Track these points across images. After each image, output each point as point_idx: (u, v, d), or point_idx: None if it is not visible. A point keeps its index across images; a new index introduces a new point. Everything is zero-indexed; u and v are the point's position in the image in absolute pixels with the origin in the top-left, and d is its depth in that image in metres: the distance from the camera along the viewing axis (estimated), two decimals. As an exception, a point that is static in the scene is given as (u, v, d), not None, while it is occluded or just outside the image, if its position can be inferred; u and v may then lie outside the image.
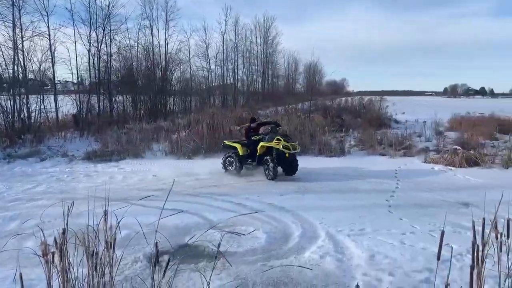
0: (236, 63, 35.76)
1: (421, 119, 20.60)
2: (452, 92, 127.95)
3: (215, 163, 11.12)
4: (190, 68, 30.33)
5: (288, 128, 15.76)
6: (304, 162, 12.01)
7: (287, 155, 9.51)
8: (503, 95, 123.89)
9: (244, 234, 5.26)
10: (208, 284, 2.67)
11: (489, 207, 3.57)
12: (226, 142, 10.92)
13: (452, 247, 3.84)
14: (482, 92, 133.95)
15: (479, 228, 2.97)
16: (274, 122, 11.28)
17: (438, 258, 2.55)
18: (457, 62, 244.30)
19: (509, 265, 2.97)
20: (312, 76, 52.13)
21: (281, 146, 9.47)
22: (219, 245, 2.65)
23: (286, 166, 9.96)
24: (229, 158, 10.58)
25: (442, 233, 2.55)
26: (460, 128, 17.44)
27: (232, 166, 10.45)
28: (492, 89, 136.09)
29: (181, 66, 29.15)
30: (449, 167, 11.16)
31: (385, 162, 12.25)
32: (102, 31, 20.61)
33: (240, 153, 10.27)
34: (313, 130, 15.33)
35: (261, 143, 9.86)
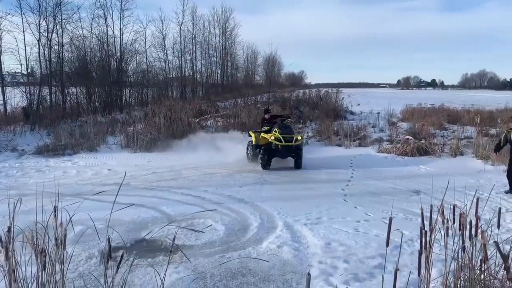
0: (194, 54, 35.25)
1: (375, 110, 21.24)
2: (405, 84, 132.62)
3: (173, 155, 10.98)
4: (146, 59, 29.58)
5: (247, 121, 15.81)
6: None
7: (279, 146, 9.65)
8: (453, 87, 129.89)
9: (203, 232, 5.26)
10: (163, 279, 2.64)
11: (438, 194, 3.78)
12: (250, 132, 11.14)
13: (402, 233, 4.01)
14: (433, 84, 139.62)
15: (428, 214, 3.12)
16: (286, 115, 11.67)
17: (387, 245, 2.64)
18: (410, 55, 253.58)
19: (455, 249, 3.13)
20: (271, 68, 52.38)
21: (272, 138, 9.63)
22: (174, 239, 2.62)
23: (288, 157, 10.21)
24: (248, 147, 10.98)
25: (390, 220, 2.66)
26: (412, 119, 18.13)
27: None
28: (442, 81, 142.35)
29: (137, 57, 28.38)
30: (401, 156, 11.60)
31: (341, 153, 12.56)
32: (53, 20, 19.61)
33: (254, 142, 10.57)
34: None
35: (261, 134, 10.08)
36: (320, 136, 15.11)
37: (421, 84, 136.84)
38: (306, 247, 4.95)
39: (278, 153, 9.90)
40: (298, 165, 10.07)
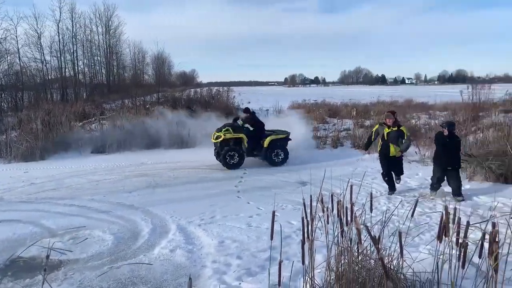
0: (75, 53, 32.76)
1: (264, 107, 21.97)
2: (291, 81, 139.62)
3: (53, 163, 10.09)
4: (19, 59, 26.77)
5: (135, 122, 15.19)
6: (155, 156, 11.80)
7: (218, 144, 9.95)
8: (333, 83, 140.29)
9: (70, 252, 4.92)
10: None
11: (324, 183, 4.01)
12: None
13: (291, 223, 4.18)
14: (316, 81, 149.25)
15: (314, 203, 3.28)
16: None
17: (271, 238, 2.71)
18: (295, 54, 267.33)
19: (335, 235, 3.35)
20: (161, 67, 51.04)
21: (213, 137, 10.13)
22: (47, 256, 2.37)
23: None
24: None
25: (273, 214, 2.73)
26: (298, 114, 19.12)
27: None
28: (324, 78, 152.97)
29: (8, 58, 25.52)
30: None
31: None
32: None
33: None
34: (163, 122, 15.07)
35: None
36: (213, 134, 15.14)
37: (305, 82, 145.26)
38: (199, 248, 4.91)
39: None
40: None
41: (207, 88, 27.64)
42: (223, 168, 9.83)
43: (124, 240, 5.24)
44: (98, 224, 5.83)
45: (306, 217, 3.12)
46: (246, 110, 11.13)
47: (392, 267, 3.34)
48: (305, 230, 3.00)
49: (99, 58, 37.22)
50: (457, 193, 6.79)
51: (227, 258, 4.52)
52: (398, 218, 5.33)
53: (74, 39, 32.47)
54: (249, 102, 26.23)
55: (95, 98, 27.69)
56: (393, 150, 7.12)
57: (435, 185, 7.05)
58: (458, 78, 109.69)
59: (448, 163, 6.79)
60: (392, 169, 7.32)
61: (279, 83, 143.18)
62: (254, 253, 4.65)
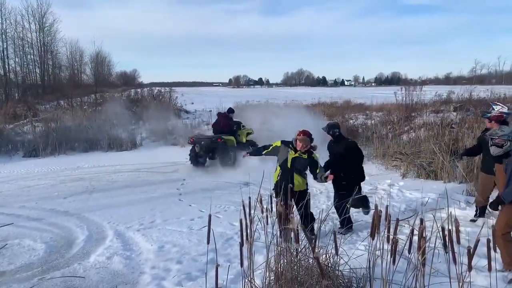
0: (5, 51, 30.70)
1: (208, 108, 21.81)
2: (235, 82, 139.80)
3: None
4: None
5: (72, 123, 14.51)
6: (93, 159, 11.32)
7: None
8: (277, 84, 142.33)
9: None
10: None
11: (266, 184, 4.02)
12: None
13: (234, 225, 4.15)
14: (260, 82, 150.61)
15: (255, 204, 3.28)
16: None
17: (208, 242, 2.67)
18: (239, 55, 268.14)
19: (274, 234, 3.37)
20: (100, 67, 49.06)
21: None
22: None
23: None
24: None
25: (209, 217, 2.69)
26: (242, 115, 19.16)
27: None
28: (268, 80, 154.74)
29: None
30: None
31: (177, 152, 12.51)
32: None
33: None
34: (102, 124, 14.53)
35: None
36: (155, 136, 14.84)
37: (249, 83, 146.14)
38: (138, 254, 4.76)
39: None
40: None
41: (148, 88, 26.98)
42: (164, 170, 9.63)
43: (57, 249, 4.96)
44: (29, 233, 5.48)
45: (245, 219, 3.11)
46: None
47: (329, 265, 3.42)
48: (244, 232, 2.99)
49: (32, 56, 35.08)
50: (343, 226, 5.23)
51: (166, 263, 4.41)
52: (336, 215, 5.48)
53: (3, 36, 30.39)
54: (193, 103, 25.96)
55: (28, 99, 26.05)
56: (298, 182, 4.95)
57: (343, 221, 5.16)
58: (393, 80, 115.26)
59: (343, 179, 5.21)
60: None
61: (223, 84, 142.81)
62: (195, 257, 4.58)
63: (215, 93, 53.32)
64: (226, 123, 10.50)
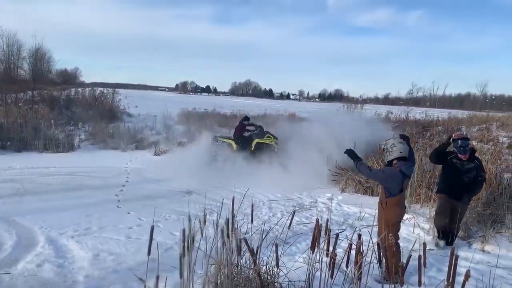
0: None
1: (153, 112, 21.37)
2: (182, 88, 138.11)
3: None
4: None
5: (5, 121, 13.60)
6: (26, 160, 10.69)
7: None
8: (224, 93, 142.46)
9: None
10: None
11: (209, 193, 4.01)
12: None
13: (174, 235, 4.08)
14: (207, 90, 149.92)
15: (200, 213, 3.24)
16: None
17: (149, 254, 2.62)
18: (188, 61, 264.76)
19: (215, 243, 3.35)
20: (39, 63, 46.45)
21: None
22: None
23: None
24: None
25: (152, 228, 2.64)
26: (188, 122, 18.99)
27: None
28: (215, 88, 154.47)
29: None
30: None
31: (117, 156, 12.13)
32: None
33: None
34: (37, 123, 13.74)
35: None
36: (95, 139, 14.28)
37: (197, 90, 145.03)
38: (71, 262, 4.53)
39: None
40: None
41: (90, 88, 25.97)
42: (103, 175, 9.28)
43: (-20, 256, 4.60)
44: None
45: (187, 229, 3.07)
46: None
47: (269, 277, 3.46)
48: (185, 243, 2.95)
49: (-39, 48, 32.57)
50: None
51: (101, 272, 4.24)
52: (278, 227, 5.56)
53: None
54: (136, 106, 25.34)
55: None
56: None
57: None
58: (336, 97, 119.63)
59: None
60: None
61: (170, 89, 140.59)
62: (132, 266, 4.44)
63: (161, 97, 52.39)
64: (237, 128, 11.85)
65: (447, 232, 5.50)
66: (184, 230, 2.95)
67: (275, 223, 5.86)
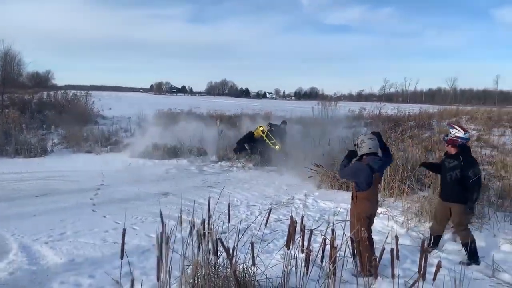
0: None
1: (127, 114, 21.10)
2: (157, 89, 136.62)
3: None
4: None
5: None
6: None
7: None
8: (200, 93, 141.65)
9: None
10: None
11: (186, 194, 4.01)
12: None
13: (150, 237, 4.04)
14: (183, 90, 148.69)
15: (177, 215, 3.24)
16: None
17: (122, 257, 2.61)
18: (162, 61, 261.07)
19: (193, 247, 3.36)
20: (9, 66, 45.13)
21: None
22: None
23: None
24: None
25: (123, 232, 2.63)
26: (164, 123, 18.78)
27: None
28: (191, 88, 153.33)
29: None
30: (154, 160, 11.89)
31: (91, 159, 11.95)
32: None
33: None
34: (8, 128, 13.39)
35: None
36: (68, 142, 14.01)
37: (172, 90, 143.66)
38: (45, 268, 4.45)
39: None
40: None
41: (63, 91, 25.44)
42: (77, 178, 9.12)
43: (-52, 266, 4.47)
44: None
45: (163, 231, 3.06)
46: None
47: (246, 275, 3.49)
48: (161, 245, 2.95)
49: None
50: None
51: (77, 278, 4.18)
52: (256, 225, 5.60)
53: None
54: (110, 109, 24.97)
55: None
56: None
57: None
58: (311, 94, 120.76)
59: None
60: None
61: (144, 90, 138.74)
62: (108, 270, 4.39)
63: (135, 99, 51.75)
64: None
65: (439, 238, 5.32)
66: (160, 233, 2.95)
67: (252, 221, 5.89)
